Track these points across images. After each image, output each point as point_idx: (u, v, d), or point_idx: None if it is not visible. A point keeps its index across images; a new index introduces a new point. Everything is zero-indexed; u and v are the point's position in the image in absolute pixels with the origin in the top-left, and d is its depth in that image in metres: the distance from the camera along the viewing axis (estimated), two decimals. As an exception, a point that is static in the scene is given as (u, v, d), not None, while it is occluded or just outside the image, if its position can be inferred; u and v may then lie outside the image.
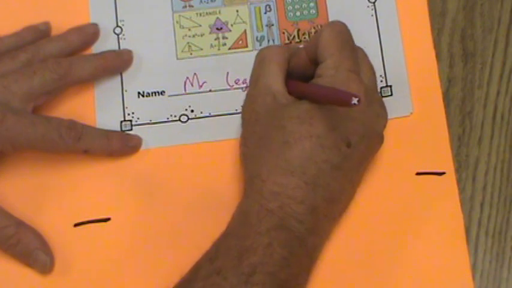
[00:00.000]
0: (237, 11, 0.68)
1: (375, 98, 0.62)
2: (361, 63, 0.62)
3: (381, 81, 0.66)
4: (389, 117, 0.63)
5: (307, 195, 0.57)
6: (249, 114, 0.63)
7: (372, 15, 0.68)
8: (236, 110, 0.66)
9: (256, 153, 0.60)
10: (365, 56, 0.64)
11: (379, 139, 0.62)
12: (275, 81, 0.62)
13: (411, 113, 0.65)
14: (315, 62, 0.62)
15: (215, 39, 0.67)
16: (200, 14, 0.68)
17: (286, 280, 0.56)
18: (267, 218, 0.56)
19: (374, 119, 0.61)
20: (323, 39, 0.61)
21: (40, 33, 0.66)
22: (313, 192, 0.57)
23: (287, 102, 0.60)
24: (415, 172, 0.64)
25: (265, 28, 0.68)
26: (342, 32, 0.61)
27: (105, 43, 0.67)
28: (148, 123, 0.66)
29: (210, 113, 0.66)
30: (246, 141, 0.62)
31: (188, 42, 0.67)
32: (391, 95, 0.66)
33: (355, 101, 0.54)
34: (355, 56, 0.61)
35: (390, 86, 0.66)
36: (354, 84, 0.59)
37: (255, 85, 0.63)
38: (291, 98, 0.61)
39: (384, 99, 0.64)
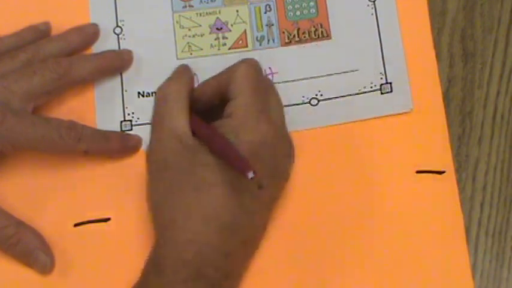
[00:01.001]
0: (237, 11, 0.68)
1: (283, 136, 0.62)
2: (270, 97, 0.62)
3: (381, 78, 0.66)
4: (389, 113, 0.64)
5: (223, 241, 0.57)
6: (157, 160, 0.62)
7: (372, 14, 0.68)
8: (236, 110, 0.66)
9: (168, 200, 0.59)
10: (273, 88, 0.64)
11: (286, 178, 0.62)
12: (179, 123, 0.61)
13: (411, 109, 0.65)
14: (224, 95, 0.62)
15: (215, 39, 0.67)
16: (200, 14, 0.68)
17: None
18: (184, 269, 0.56)
19: (283, 159, 0.62)
20: (237, 75, 0.61)
21: (40, 33, 0.66)
22: (230, 236, 0.57)
23: (194, 145, 0.60)
24: (415, 170, 0.64)
25: (265, 28, 0.68)
26: (256, 70, 0.62)
27: (105, 43, 0.67)
28: (148, 123, 0.65)
29: (210, 113, 0.66)
30: (155, 188, 0.61)
31: (188, 42, 0.67)
32: (391, 91, 0.66)
33: (251, 175, 0.55)
34: (266, 96, 0.62)
35: (390, 83, 0.66)
36: (264, 126, 0.60)
37: (159, 128, 0.62)
38: (197, 141, 0.60)
39: (384, 95, 0.64)
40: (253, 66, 0.62)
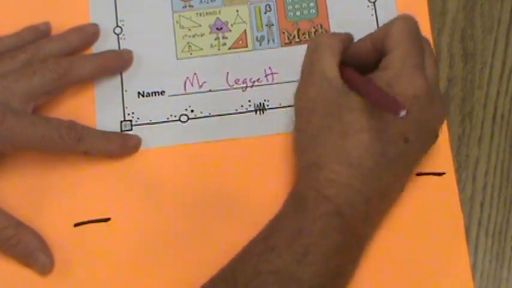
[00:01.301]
0: (237, 11, 0.68)
1: (436, 95, 0.61)
2: (426, 57, 0.61)
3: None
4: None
5: (362, 186, 0.57)
6: (304, 102, 0.62)
7: (372, 15, 0.68)
8: (236, 110, 0.66)
9: (312, 143, 0.60)
10: (431, 50, 0.63)
11: (434, 138, 0.62)
12: (329, 67, 0.60)
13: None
14: (379, 52, 0.61)
15: (215, 39, 0.67)
16: (200, 14, 0.68)
17: (337, 266, 0.57)
18: (324, 204, 0.57)
19: (433, 117, 0.61)
20: (394, 29, 0.60)
21: (40, 33, 0.66)
22: (369, 183, 0.57)
23: (343, 89, 0.59)
24: (415, 173, 0.64)
25: (265, 28, 0.68)
26: (413, 25, 0.61)
27: (105, 43, 0.67)
28: (148, 123, 0.66)
29: (210, 113, 0.66)
30: (301, 131, 0.62)
31: (188, 42, 0.67)
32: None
33: (402, 113, 0.53)
34: (422, 51, 0.61)
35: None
36: (419, 82, 0.59)
37: (308, 73, 0.62)
38: (346, 85, 0.60)
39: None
40: (409, 20, 0.61)
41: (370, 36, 0.63)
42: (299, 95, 0.63)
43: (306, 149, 0.61)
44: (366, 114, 0.58)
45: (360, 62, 0.62)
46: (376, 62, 0.61)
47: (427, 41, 0.63)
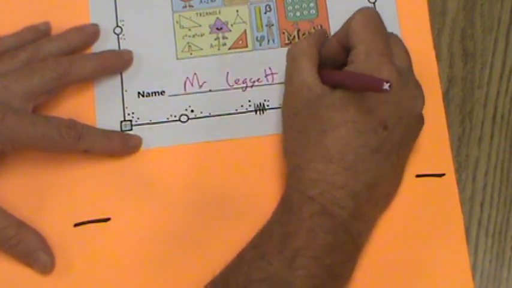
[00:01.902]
0: (237, 11, 0.68)
1: (410, 80, 0.61)
2: (394, 46, 0.62)
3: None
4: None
5: (346, 181, 0.57)
6: (288, 110, 0.63)
7: (372, 15, 0.68)
8: (236, 110, 0.66)
9: (295, 146, 0.60)
10: (398, 39, 0.63)
11: (418, 120, 0.62)
12: (308, 74, 0.61)
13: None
14: (346, 49, 0.62)
15: (215, 39, 0.67)
16: (200, 14, 0.68)
17: (331, 266, 0.56)
18: (308, 205, 0.57)
19: (410, 100, 0.61)
20: (353, 25, 0.61)
21: (40, 33, 0.66)
22: (353, 177, 0.57)
23: (322, 91, 0.60)
24: (415, 174, 0.64)
25: (265, 28, 0.68)
26: (372, 17, 0.61)
27: (105, 43, 0.67)
28: (148, 123, 0.66)
29: (210, 113, 0.66)
30: (286, 136, 0.63)
31: (188, 42, 0.67)
32: (392, 92, 0.66)
33: (386, 86, 0.54)
34: (386, 39, 0.61)
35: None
36: (386, 68, 0.59)
37: (290, 82, 0.63)
38: (325, 87, 0.61)
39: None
40: (367, 13, 0.61)
41: (335, 35, 0.64)
42: (284, 102, 0.64)
43: (290, 154, 0.61)
44: (341, 110, 0.58)
45: (332, 62, 0.63)
46: (346, 59, 0.62)
47: (394, 34, 0.64)
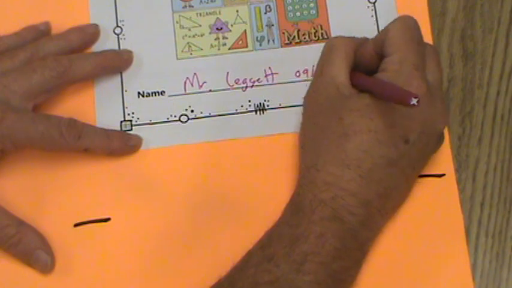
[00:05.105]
0: (237, 11, 0.68)
1: (438, 97, 0.61)
2: (428, 60, 0.61)
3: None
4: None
5: (360, 189, 0.57)
6: (312, 105, 0.62)
7: (372, 16, 0.68)
8: (236, 110, 0.66)
9: (314, 144, 0.60)
10: (434, 52, 0.63)
11: (439, 137, 0.62)
12: (340, 72, 0.61)
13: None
14: (381, 56, 0.61)
15: (215, 39, 0.67)
16: (200, 14, 0.68)
17: (338, 271, 0.56)
18: (320, 208, 0.57)
19: (435, 118, 0.60)
20: (391, 33, 0.60)
21: (40, 33, 0.66)
22: (367, 186, 0.57)
23: (349, 94, 0.60)
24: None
25: (265, 28, 0.68)
26: (411, 27, 0.61)
27: (105, 43, 0.67)
28: (148, 123, 0.66)
29: (210, 113, 0.66)
30: (305, 132, 0.62)
31: (188, 42, 0.67)
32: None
33: (414, 101, 0.54)
34: (422, 52, 0.61)
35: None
36: (416, 82, 0.59)
37: (320, 73, 0.63)
38: (354, 90, 0.60)
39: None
40: (408, 21, 0.61)
41: (372, 40, 0.63)
42: (309, 94, 0.64)
43: (307, 151, 0.61)
44: (365, 117, 0.58)
45: (364, 68, 0.63)
46: (378, 66, 0.62)
47: (431, 46, 0.63)
